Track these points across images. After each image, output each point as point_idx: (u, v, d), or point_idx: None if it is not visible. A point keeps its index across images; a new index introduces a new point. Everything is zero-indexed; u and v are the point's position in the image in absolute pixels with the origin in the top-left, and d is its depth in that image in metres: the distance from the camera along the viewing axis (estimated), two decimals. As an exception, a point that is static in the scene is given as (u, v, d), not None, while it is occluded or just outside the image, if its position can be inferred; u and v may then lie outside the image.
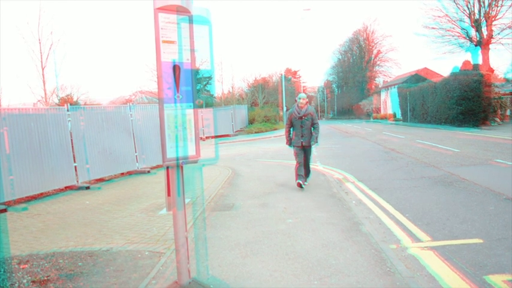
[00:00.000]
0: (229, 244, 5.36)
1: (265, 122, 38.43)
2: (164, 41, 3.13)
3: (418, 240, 5.28)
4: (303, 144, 8.57)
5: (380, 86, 68.30)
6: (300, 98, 8.69)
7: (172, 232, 5.07)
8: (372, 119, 56.95)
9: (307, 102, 8.69)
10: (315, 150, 17.55)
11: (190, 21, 3.29)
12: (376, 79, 77.72)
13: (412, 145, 16.84)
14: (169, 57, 3.13)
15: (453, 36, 34.05)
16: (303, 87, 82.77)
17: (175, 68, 3.12)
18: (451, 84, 27.97)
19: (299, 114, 8.51)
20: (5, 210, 8.05)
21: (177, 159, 3.13)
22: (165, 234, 5.94)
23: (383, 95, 60.44)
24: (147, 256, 5.04)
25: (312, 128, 8.65)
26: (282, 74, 43.20)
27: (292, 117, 8.65)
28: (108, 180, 11.51)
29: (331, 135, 27.50)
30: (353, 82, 79.34)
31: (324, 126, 41.77)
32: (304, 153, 8.70)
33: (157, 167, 13.32)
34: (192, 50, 3.25)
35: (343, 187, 8.95)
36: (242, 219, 6.56)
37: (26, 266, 4.82)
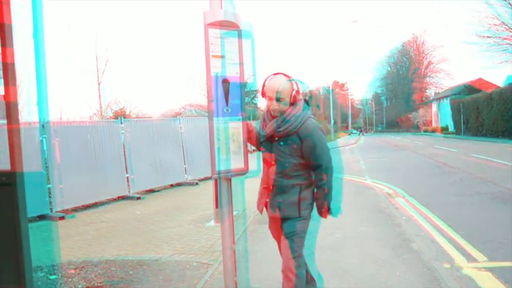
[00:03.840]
0: (275, 258, 5.33)
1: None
2: (214, 56, 3.20)
3: (473, 260, 5.02)
4: (282, 212, 3.33)
5: (431, 98, 66.23)
6: (270, 84, 3.15)
7: (220, 244, 5.12)
8: (422, 132, 55.23)
9: (295, 96, 3.14)
10: (362, 162, 17.21)
11: (239, 35, 3.34)
12: (426, 91, 75.53)
13: (466, 159, 16.16)
14: (218, 71, 3.19)
15: (510, 44, 32.59)
16: (351, 99, 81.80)
17: (225, 82, 3.17)
18: (508, 95, 26.68)
19: (273, 127, 3.20)
20: (62, 218, 8.44)
21: (226, 171, 3.17)
22: (213, 245, 6.00)
23: (434, 107, 58.56)
24: (194, 267, 5.11)
25: (313, 176, 3.32)
26: (329, 87, 42.95)
27: (257, 136, 3.42)
28: (157, 191, 11.80)
29: (379, 148, 26.92)
30: (402, 94, 77.56)
31: (372, 140, 40.95)
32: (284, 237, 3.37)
33: (205, 178, 13.52)
34: (241, 64, 3.30)
35: (393, 202, 8.70)
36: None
37: (81, 272, 5.01)
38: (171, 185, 12.58)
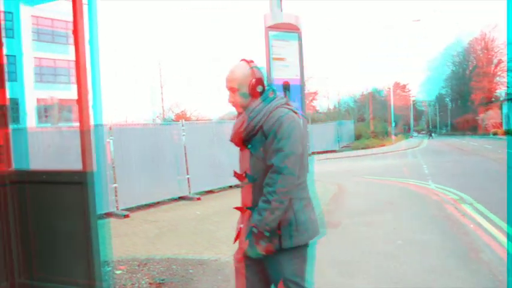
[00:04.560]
0: (330, 261, 5.25)
1: (372, 138, 37.32)
2: (275, 58, 3.21)
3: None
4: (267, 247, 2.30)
5: (501, 99, 62.40)
6: (228, 73, 2.51)
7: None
8: (491, 135, 52.20)
9: (254, 85, 2.40)
10: (425, 166, 16.53)
11: (300, 38, 3.33)
12: (496, 91, 71.28)
13: (542, 164, 15.08)
14: (279, 74, 3.20)
15: None
16: (413, 101, 78.97)
17: (285, 84, 3.18)
18: None
19: (236, 127, 2.50)
20: (127, 216, 8.83)
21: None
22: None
23: (505, 108, 55.18)
24: (253, 268, 5.13)
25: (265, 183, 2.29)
26: (389, 88, 41.83)
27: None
28: (217, 192, 12.01)
29: (444, 152, 25.79)
30: (469, 95, 73.71)
31: (436, 143, 39.29)
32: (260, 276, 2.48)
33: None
34: (301, 66, 3.29)
35: (459, 209, 8.27)
36: (347, 237, 6.40)
37: (145, 268, 5.20)
38: (230, 187, 12.75)
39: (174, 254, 5.89)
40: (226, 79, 2.48)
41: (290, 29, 3.34)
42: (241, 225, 2.48)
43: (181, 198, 10.85)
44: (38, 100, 32.25)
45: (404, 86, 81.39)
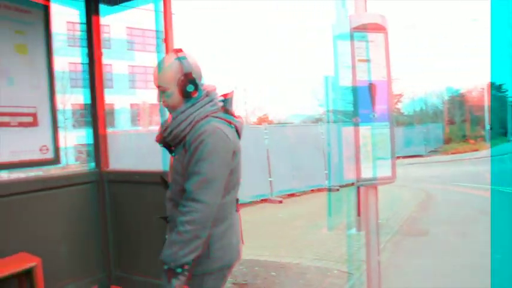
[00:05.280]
0: (421, 274, 4.98)
1: (463, 142, 35.03)
2: (360, 60, 3.12)
3: None
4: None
5: None
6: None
7: (362, 253, 4.98)
8: None
9: (182, 82, 1.93)
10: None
11: (386, 38, 3.22)
12: None
13: None
14: (364, 76, 3.11)
15: None
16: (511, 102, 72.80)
17: (371, 86, 3.08)
18: None
19: (160, 131, 2.05)
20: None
21: (370, 179, 3.07)
22: (354, 254, 5.86)
23: None
24: (335, 275, 5.03)
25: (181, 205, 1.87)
26: (483, 88, 39.01)
27: None
28: (299, 195, 11.98)
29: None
30: None
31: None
32: None
33: (346, 185, 13.32)
34: (388, 68, 3.17)
35: None
36: (437, 248, 6.04)
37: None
38: (312, 191, 12.66)
39: (257, 256, 5.96)
40: (153, 75, 2.03)
41: (376, 29, 3.25)
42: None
43: (263, 200, 10.97)
44: (131, 105, 34.54)
45: (500, 86, 75.42)
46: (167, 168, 2.33)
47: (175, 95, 1.96)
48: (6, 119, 3.12)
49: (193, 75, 1.94)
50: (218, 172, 1.87)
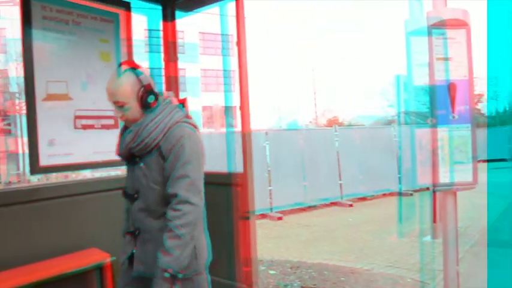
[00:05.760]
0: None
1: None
2: (438, 59, 2.96)
3: None
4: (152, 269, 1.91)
5: None
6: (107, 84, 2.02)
7: (437, 262, 4.73)
8: None
9: (142, 96, 1.96)
10: None
11: (468, 34, 3.02)
12: None
13: None
14: (443, 76, 2.94)
15: None
16: None
17: (451, 87, 2.91)
18: None
19: (126, 142, 2.03)
20: (280, 218, 9.17)
21: (448, 184, 2.90)
22: (429, 263, 5.58)
23: None
24: (409, 283, 4.83)
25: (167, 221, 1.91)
26: None
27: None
28: (369, 199, 11.66)
29: None
30: None
31: None
32: None
33: (420, 190, 12.74)
34: (470, 66, 2.98)
35: None
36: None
37: (297, 271, 5.29)
38: (384, 195, 12.26)
39: (326, 259, 5.87)
40: (107, 91, 1.99)
41: (457, 26, 3.07)
42: (134, 250, 2.05)
43: (332, 203, 10.80)
44: (204, 108, 35.63)
45: None
46: (231, 169, 2.36)
47: (134, 108, 1.97)
48: (91, 122, 3.33)
49: (151, 86, 1.98)
50: (200, 174, 1.97)
